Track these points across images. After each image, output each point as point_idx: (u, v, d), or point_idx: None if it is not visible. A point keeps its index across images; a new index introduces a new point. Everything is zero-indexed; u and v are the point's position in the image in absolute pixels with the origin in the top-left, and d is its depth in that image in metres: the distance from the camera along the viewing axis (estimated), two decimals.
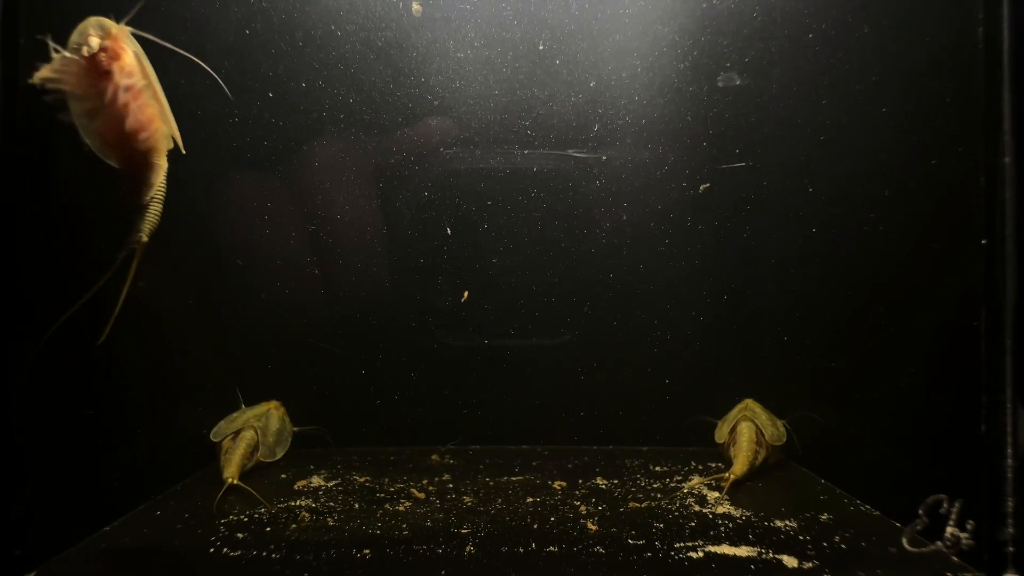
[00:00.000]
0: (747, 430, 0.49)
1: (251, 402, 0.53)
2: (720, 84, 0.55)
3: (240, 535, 0.38)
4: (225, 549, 0.36)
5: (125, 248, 0.38)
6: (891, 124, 0.42)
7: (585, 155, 0.57)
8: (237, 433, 0.49)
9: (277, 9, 0.54)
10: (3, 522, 0.32)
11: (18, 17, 0.33)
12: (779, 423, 0.52)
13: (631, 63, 0.56)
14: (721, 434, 0.52)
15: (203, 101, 0.52)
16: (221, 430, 0.50)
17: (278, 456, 0.51)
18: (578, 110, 0.57)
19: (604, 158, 0.57)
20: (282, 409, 0.53)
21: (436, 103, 0.56)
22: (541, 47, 0.54)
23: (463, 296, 0.56)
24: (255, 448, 0.49)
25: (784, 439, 0.51)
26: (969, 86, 0.35)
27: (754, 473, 0.47)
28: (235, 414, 0.51)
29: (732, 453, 0.49)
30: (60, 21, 0.36)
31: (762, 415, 0.52)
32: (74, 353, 0.38)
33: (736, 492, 0.45)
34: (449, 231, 0.55)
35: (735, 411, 0.53)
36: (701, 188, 0.54)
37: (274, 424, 0.51)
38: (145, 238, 0.38)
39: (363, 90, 0.56)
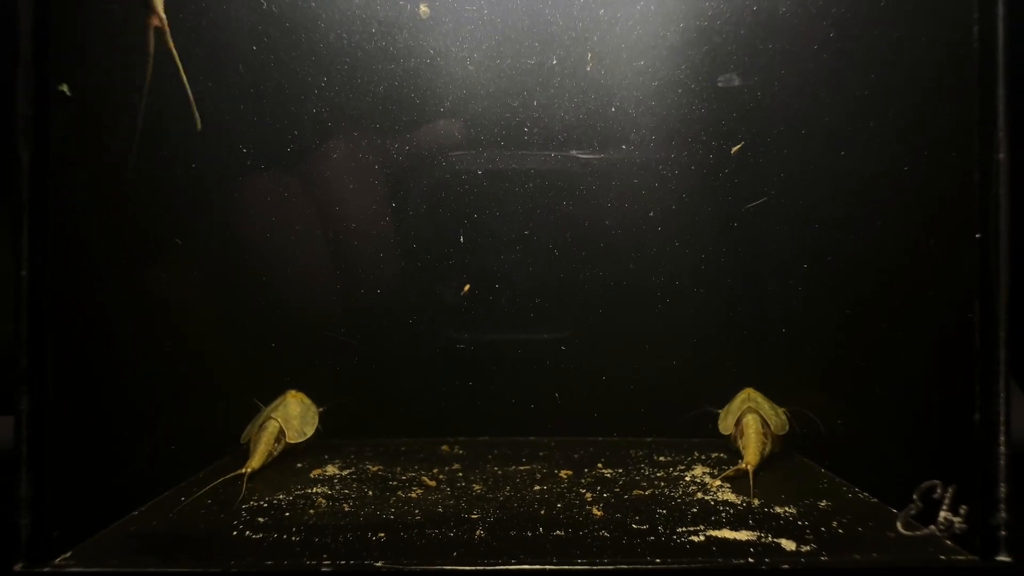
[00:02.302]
0: (753, 421, 0.50)
1: (269, 399, 0.55)
2: (720, 84, 0.55)
3: (261, 519, 0.40)
4: (248, 532, 0.38)
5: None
6: (890, 122, 0.43)
7: (593, 156, 0.58)
8: (260, 427, 0.51)
9: (288, 16, 0.56)
10: (41, 507, 0.34)
11: (49, 27, 0.34)
12: (780, 411, 0.53)
13: (635, 65, 0.57)
14: (727, 426, 0.53)
15: (221, 104, 0.54)
16: (247, 432, 0.52)
17: (308, 435, 0.53)
18: (584, 112, 0.58)
19: (612, 155, 0.58)
20: (300, 395, 0.55)
21: (443, 106, 0.57)
22: (554, 61, 0.56)
23: (464, 289, 0.58)
24: (279, 436, 0.51)
25: (787, 428, 0.52)
26: (965, 84, 0.36)
27: (764, 462, 0.48)
28: (257, 416, 0.54)
29: (741, 445, 0.50)
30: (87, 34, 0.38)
31: (764, 405, 0.53)
32: (102, 348, 0.40)
33: (738, 480, 0.46)
34: (462, 239, 0.56)
35: (737, 402, 0.54)
36: (733, 150, 0.54)
37: (294, 409, 0.53)
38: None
39: (374, 93, 0.57)
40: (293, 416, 0.53)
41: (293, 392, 0.55)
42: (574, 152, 0.58)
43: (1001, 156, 0.34)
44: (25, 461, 0.33)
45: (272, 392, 0.56)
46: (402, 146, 0.58)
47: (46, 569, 0.33)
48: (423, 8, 0.57)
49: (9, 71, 0.34)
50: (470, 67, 0.57)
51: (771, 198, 0.57)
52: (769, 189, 0.58)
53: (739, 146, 0.54)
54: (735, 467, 0.47)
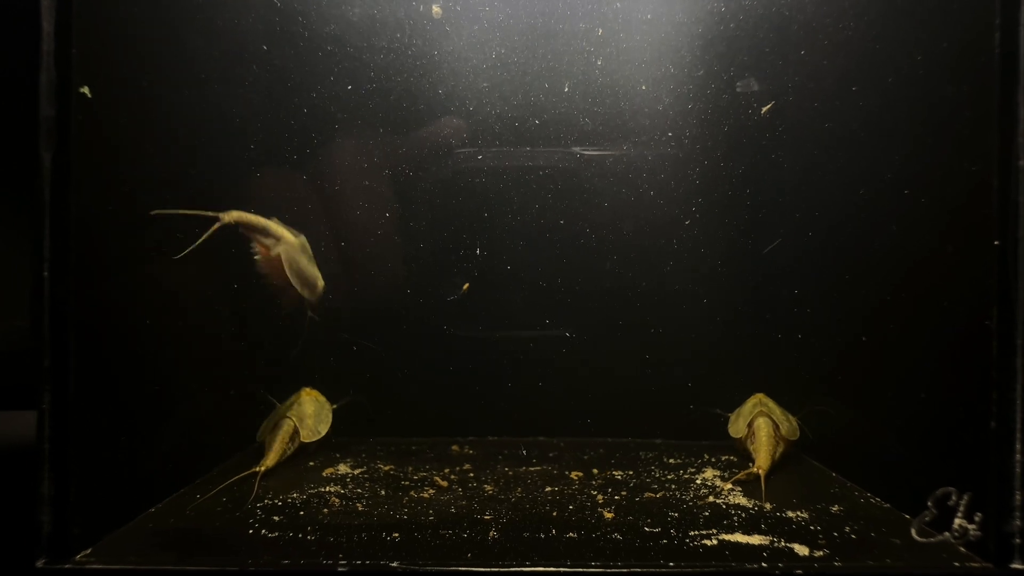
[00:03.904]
0: (765, 425, 0.50)
1: (284, 397, 0.55)
2: (739, 90, 0.55)
3: (276, 518, 0.40)
4: (263, 531, 0.38)
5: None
6: (907, 128, 0.43)
7: (606, 155, 0.58)
8: (275, 426, 0.51)
9: (301, 16, 0.56)
10: (62, 504, 0.34)
11: (71, 29, 0.35)
12: (792, 418, 0.53)
13: (646, 64, 0.57)
14: (738, 429, 0.53)
15: (233, 105, 0.54)
16: (262, 431, 0.53)
17: (322, 434, 0.53)
18: (598, 112, 0.58)
19: (625, 156, 0.58)
20: (314, 392, 0.55)
21: (455, 104, 0.57)
22: (566, 89, 0.56)
23: (464, 288, 0.58)
24: (294, 435, 0.51)
25: (798, 434, 0.52)
26: (984, 90, 0.35)
27: (775, 466, 0.48)
28: (272, 414, 0.54)
29: (753, 448, 0.50)
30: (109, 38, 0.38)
31: (776, 410, 0.53)
32: (121, 347, 0.40)
33: (749, 484, 0.46)
34: (479, 250, 0.57)
35: (749, 406, 0.54)
36: (764, 110, 0.53)
37: (308, 408, 0.54)
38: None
39: (384, 93, 0.57)
40: (308, 415, 0.53)
41: (308, 390, 0.55)
42: (586, 152, 0.58)
43: (1021, 163, 0.34)
44: (47, 459, 0.34)
45: (287, 390, 0.56)
46: (413, 145, 0.58)
47: (67, 565, 0.34)
48: (436, 9, 0.57)
49: (31, 72, 0.35)
50: (483, 65, 0.57)
51: (788, 203, 0.57)
52: (784, 193, 0.57)
53: (770, 105, 0.53)
54: (746, 471, 0.47)
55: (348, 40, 0.57)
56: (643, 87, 0.55)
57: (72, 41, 0.35)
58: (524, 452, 0.49)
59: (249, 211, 0.48)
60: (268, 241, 0.49)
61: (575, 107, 0.57)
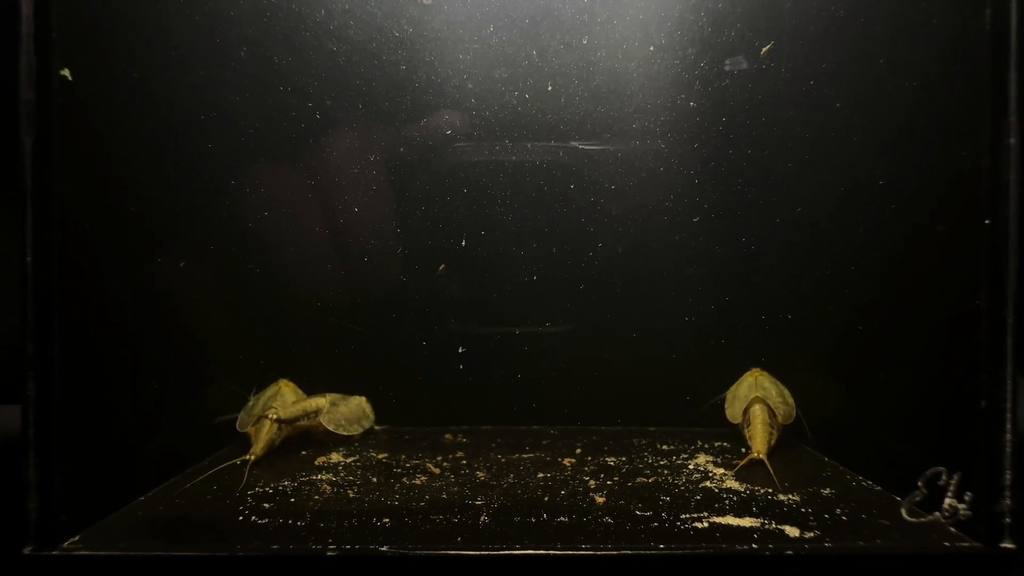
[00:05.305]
0: (760, 411, 0.50)
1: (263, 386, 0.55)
2: (727, 68, 0.55)
3: (266, 505, 0.40)
4: (253, 517, 0.38)
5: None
6: (900, 107, 0.43)
7: (597, 146, 0.58)
8: (259, 418, 0.51)
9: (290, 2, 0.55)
10: (49, 492, 0.34)
11: (50, 11, 0.34)
12: (788, 395, 0.53)
13: (639, 53, 0.56)
14: (734, 414, 0.53)
15: (224, 95, 0.54)
16: (244, 421, 0.52)
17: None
18: (591, 101, 0.57)
19: (616, 144, 0.57)
20: (291, 384, 0.55)
21: (447, 95, 0.57)
22: (550, 88, 0.56)
23: (440, 268, 0.57)
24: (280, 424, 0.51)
25: (794, 415, 0.52)
26: (976, 69, 0.35)
27: (772, 451, 0.49)
28: (249, 404, 0.54)
29: (748, 436, 0.50)
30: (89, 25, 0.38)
31: (772, 391, 0.52)
32: (108, 334, 0.40)
33: (746, 470, 0.46)
34: (464, 242, 0.57)
35: (744, 387, 0.54)
36: (763, 50, 0.53)
37: (290, 399, 0.54)
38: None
39: (377, 83, 0.57)
40: (290, 405, 0.53)
41: (285, 382, 0.55)
42: (578, 143, 0.58)
43: (1012, 141, 0.34)
44: (33, 446, 0.34)
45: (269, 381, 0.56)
46: (407, 136, 0.58)
47: (54, 552, 0.34)
48: None
49: (10, 55, 0.34)
50: (474, 55, 0.57)
51: (781, 187, 0.57)
52: (777, 177, 0.57)
53: (769, 46, 0.53)
54: (748, 457, 0.47)
55: (339, 28, 0.56)
56: (651, 48, 0.54)
57: (52, 24, 0.34)
58: (468, 363, 0.50)
59: (291, 406, 0.52)
60: (308, 420, 0.54)
61: (575, 99, 0.57)
